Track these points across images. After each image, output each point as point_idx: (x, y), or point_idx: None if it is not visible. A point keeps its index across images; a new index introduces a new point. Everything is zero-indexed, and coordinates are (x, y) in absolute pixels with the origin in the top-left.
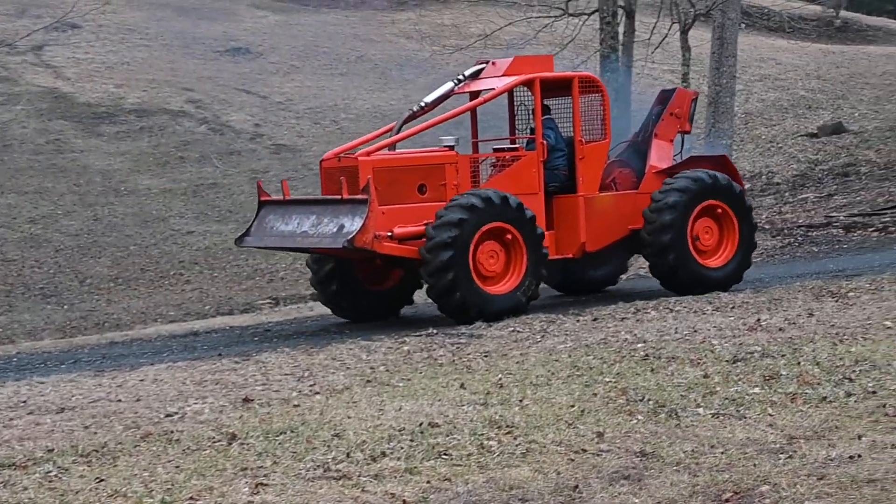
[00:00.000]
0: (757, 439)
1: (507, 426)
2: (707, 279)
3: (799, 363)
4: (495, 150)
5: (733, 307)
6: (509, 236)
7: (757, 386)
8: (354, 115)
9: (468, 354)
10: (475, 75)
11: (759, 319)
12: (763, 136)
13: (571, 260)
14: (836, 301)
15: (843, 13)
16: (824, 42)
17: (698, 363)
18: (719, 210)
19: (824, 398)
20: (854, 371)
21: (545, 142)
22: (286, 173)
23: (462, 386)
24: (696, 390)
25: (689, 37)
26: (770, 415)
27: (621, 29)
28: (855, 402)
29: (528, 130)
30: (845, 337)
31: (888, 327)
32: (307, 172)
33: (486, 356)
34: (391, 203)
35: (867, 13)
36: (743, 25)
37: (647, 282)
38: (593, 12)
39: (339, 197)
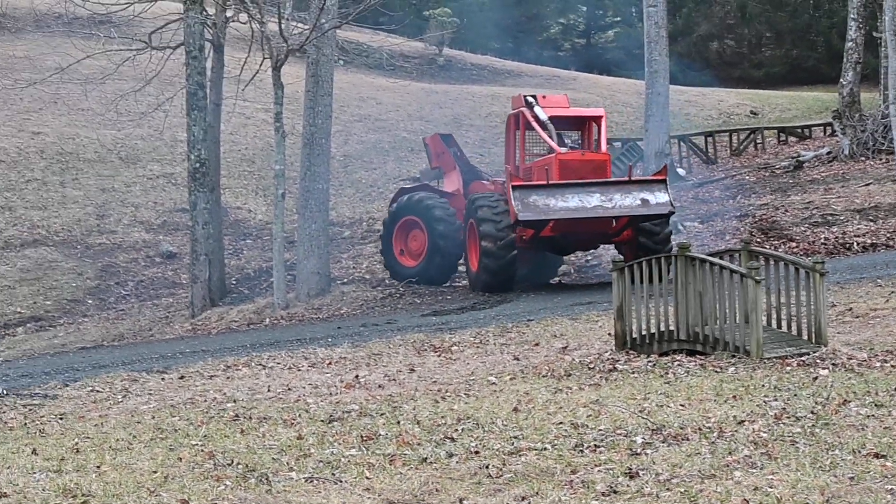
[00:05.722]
0: None
1: (83, 495)
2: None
3: (398, 422)
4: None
5: (330, 363)
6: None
7: (354, 447)
8: None
9: (41, 417)
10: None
11: (357, 376)
12: (363, 181)
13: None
14: (439, 356)
15: (446, 51)
16: (427, 81)
17: (292, 424)
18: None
19: (425, 459)
20: (456, 430)
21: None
22: None
23: (34, 451)
24: (289, 453)
25: (282, 73)
26: (367, 478)
27: (209, 64)
28: (457, 462)
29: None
30: (448, 394)
31: (492, 383)
32: None
33: (61, 419)
34: None
35: (471, 51)
36: (341, 62)
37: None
38: (178, 46)
39: (627, 178)
